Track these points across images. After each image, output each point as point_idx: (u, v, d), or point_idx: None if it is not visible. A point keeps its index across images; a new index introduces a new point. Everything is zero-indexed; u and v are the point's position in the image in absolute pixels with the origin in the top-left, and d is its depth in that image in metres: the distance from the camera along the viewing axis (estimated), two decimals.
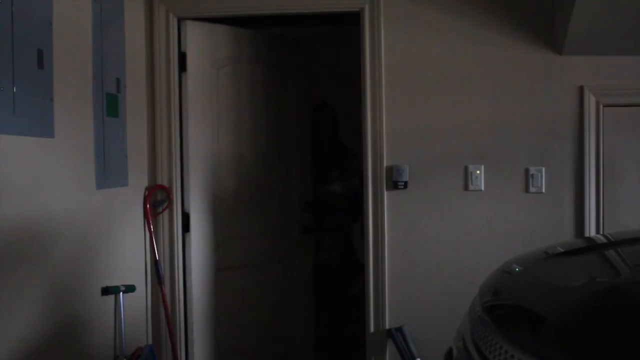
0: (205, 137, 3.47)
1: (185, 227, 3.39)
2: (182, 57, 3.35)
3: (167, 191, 3.32)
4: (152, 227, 3.27)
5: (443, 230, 3.25)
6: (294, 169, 3.94)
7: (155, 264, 3.27)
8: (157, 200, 3.32)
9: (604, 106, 3.16)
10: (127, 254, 3.11)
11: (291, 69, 3.93)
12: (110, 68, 2.89)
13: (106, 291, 2.82)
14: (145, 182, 3.30)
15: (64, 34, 2.51)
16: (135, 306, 3.15)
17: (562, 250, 2.18)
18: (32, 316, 2.33)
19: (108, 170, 2.86)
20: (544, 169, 3.20)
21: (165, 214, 3.34)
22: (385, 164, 3.25)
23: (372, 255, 3.27)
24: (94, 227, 2.78)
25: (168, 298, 3.31)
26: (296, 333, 3.92)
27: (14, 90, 2.18)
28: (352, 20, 3.29)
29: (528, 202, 3.22)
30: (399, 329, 3.24)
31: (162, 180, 3.33)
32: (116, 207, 2.97)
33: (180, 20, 3.34)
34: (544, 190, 3.20)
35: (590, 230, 3.16)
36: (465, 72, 3.23)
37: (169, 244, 3.35)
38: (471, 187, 3.24)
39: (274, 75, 3.81)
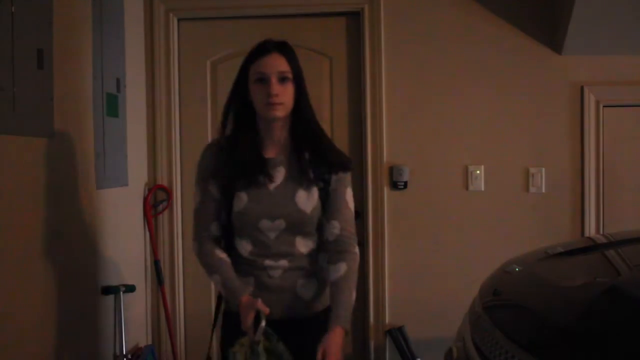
0: (205, 136, 3.46)
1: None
2: (182, 57, 3.35)
3: (167, 191, 3.32)
4: (152, 227, 3.27)
5: (443, 230, 3.25)
6: None
7: (155, 264, 3.28)
8: (157, 200, 3.32)
9: (604, 106, 3.16)
10: (127, 254, 3.11)
11: None
12: (110, 68, 2.89)
13: (106, 291, 2.82)
14: (145, 182, 3.30)
15: (64, 34, 2.51)
16: (135, 306, 3.15)
17: (562, 250, 2.18)
18: (32, 315, 2.33)
19: (108, 170, 2.86)
20: (544, 169, 3.20)
21: (165, 214, 3.34)
22: (385, 164, 3.25)
23: (372, 255, 3.27)
24: (94, 227, 2.77)
25: (168, 298, 3.31)
26: None
27: (14, 90, 2.18)
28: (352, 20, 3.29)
29: (528, 202, 3.22)
30: (399, 329, 3.24)
31: (162, 180, 3.33)
32: (116, 207, 2.97)
33: (180, 21, 3.34)
34: (544, 190, 3.20)
35: (590, 230, 3.16)
36: (465, 72, 3.23)
37: (169, 244, 3.35)
38: (471, 187, 3.24)
39: None
